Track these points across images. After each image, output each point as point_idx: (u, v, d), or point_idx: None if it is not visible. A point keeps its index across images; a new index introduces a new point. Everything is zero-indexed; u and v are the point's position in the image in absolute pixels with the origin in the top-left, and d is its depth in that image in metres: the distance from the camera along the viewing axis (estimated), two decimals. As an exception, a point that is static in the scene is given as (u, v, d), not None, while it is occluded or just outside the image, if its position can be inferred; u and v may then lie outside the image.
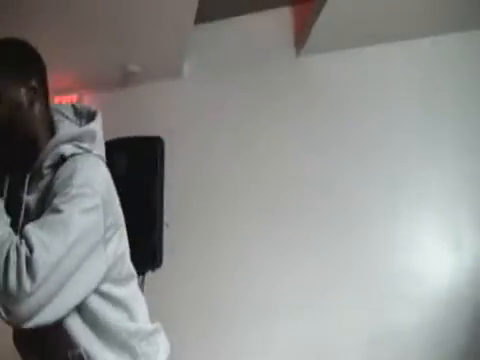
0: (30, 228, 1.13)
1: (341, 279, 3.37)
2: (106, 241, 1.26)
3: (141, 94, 4.04)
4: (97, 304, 1.29)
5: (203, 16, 3.62)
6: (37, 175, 1.31)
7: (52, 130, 1.37)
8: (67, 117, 1.42)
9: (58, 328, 1.23)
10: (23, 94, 1.30)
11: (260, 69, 3.85)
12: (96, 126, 1.41)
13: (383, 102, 3.59)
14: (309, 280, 3.40)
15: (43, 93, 1.37)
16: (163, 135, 3.35)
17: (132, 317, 1.40)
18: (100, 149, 1.41)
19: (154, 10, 3.16)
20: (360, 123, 3.58)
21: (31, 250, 1.08)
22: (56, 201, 1.19)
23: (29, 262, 1.07)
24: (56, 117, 1.41)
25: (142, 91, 4.05)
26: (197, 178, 3.79)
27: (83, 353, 1.27)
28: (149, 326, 1.50)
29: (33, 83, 1.33)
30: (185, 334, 3.47)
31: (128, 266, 1.45)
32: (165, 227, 3.24)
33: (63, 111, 1.43)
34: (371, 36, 3.54)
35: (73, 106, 1.46)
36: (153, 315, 3.43)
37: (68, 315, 1.23)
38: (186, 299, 3.58)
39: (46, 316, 1.12)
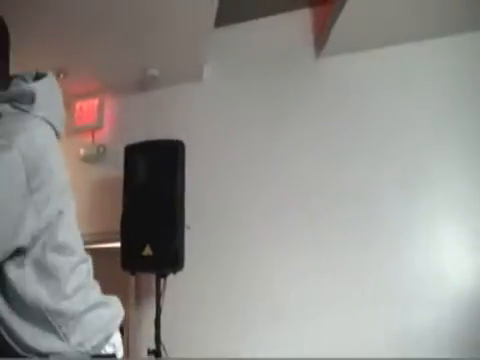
0: None
1: (362, 280, 3.34)
2: (31, 200, 1.19)
3: (161, 98, 4.07)
4: (17, 272, 1.22)
5: (222, 19, 3.63)
6: None
7: None
8: (25, 81, 1.39)
9: None
10: None
11: (280, 71, 3.85)
12: (36, 87, 1.35)
13: (403, 103, 3.55)
14: (330, 281, 3.39)
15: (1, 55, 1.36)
16: (184, 138, 3.35)
17: (63, 293, 1.28)
18: (43, 110, 1.35)
19: (174, 14, 3.18)
20: (380, 125, 3.55)
21: None
22: None
23: None
24: (15, 82, 1.38)
25: (162, 95, 4.07)
26: (218, 181, 3.80)
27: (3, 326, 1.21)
28: (83, 306, 1.33)
29: None
30: (206, 335, 3.49)
31: (66, 234, 1.33)
32: (186, 230, 3.24)
33: (25, 76, 1.40)
34: (390, 36, 3.52)
35: (37, 72, 1.43)
36: (175, 316, 3.46)
37: None
38: (207, 301, 3.59)
39: None
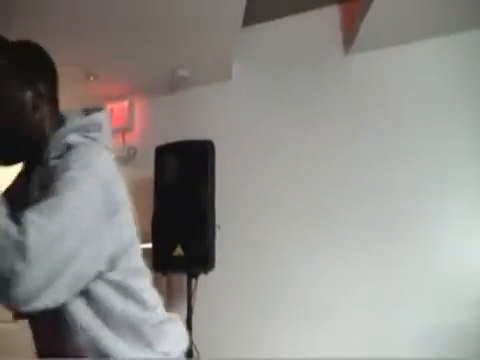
0: (27, 213, 1.11)
1: (392, 279, 3.30)
2: (113, 226, 1.25)
3: (191, 98, 4.09)
4: (102, 290, 1.27)
5: (251, 18, 3.63)
6: (44, 168, 1.32)
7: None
8: (70, 119, 1.42)
9: (64, 313, 1.23)
10: (29, 96, 1.32)
11: (309, 69, 3.83)
12: (101, 116, 1.42)
13: (436, 101, 3.48)
14: (361, 280, 3.36)
15: (50, 98, 1.39)
16: (214, 138, 3.36)
17: (143, 306, 1.37)
18: (107, 140, 1.42)
19: (202, 14, 3.18)
20: (411, 123, 3.49)
21: (24, 232, 1.06)
22: (53, 185, 1.18)
23: (20, 244, 1.04)
24: (71, 117, 1.42)
25: (192, 95, 4.09)
26: (248, 180, 3.79)
27: (94, 339, 1.27)
28: (160, 316, 1.44)
29: (40, 88, 1.34)
30: (239, 335, 3.49)
31: (138, 259, 1.42)
32: (217, 230, 3.25)
33: (71, 113, 1.44)
34: (421, 31, 3.46)
35: (84, 109, 1.47)
36: (206, 316, 3.47)
37: (73, 300, 1.21)
38: (239, 300, 3.59)
39: (46, 300, 1.09)
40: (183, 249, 3.18)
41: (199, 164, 3.32)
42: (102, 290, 1.27)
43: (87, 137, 1.35)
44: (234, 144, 3.83)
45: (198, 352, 3.12)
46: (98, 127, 1.39)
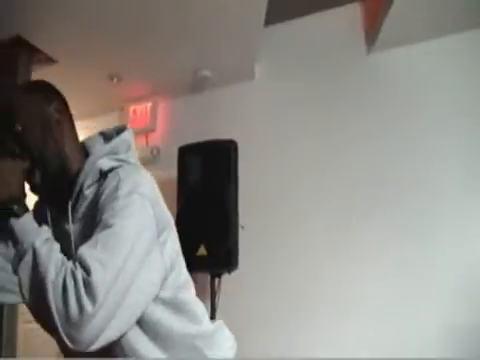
0: (84, 249, 1.12)
1: (424, 277, 3.26)
2: (161, 244, 1.25)
3: (214, 98, 4.10)
4: (160, 313, 1.28)
5: (273, 17, 3.63)
6: (79, 199, 1.32)
7: (85, 153, 1.41)
8: (94, 144, 1.44)
9: (117, 343, 1.22)
10: (50, 112, 1.34)
11: (331, 68, 3.81)
12: (129, 136, 1.43)
13: (461, 98, 3.43)
14: (391, 280, 3.32)
15: (68, 118, 1.40)
16: (237, 137, 3.36)
17: (195, 320, 1.39)
18: (135, 158, 1.43)
19: (223, 14, 3.19)
20: (435, 122, 3.45)
21: (88, 272, 1.07)
22: (105, 216, 1.18)
23: (87, 284, 1.05)
24: (87, 144, 1.44)
25: (215, 95, 4.11)
26: (271, 180, 3.79)
27: (149, 350, 1.27)
28: (211, 326, 1.47)
29: (57, 106, 1.36)
30: (262, 334, 3.49)
31: (185, 270, 1.44)
32: (241, 229, 3.25)
33: (92, 140, 1.46)
34: (444, 28, 3.41)
35: (101, 133, 1.48)
36: (230, 316, 3.48)
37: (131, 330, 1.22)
38: (263, 300, 3.59)
39: (110, 334, 1.10)
40: (206, 249, 3.19)
41: (222, 164, 3.33)
42: (159, 312, 1.27)
43: (117, 160, 1.35)
44: (257, 144, 3.83)
45: (222, 352, 3.13)
46: (127, 147, 1.40)
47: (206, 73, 3.88)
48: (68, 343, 1.05)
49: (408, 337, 3.19)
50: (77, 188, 1.31)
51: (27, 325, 3.68)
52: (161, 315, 1.28)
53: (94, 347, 1.07)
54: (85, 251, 1.11)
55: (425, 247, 3.29)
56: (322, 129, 3.74)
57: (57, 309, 1.04)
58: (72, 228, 1.31)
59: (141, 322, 1.24)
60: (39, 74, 3.36)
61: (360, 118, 3.65)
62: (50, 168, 1.31)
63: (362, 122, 3.63)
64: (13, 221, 1.16)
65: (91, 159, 1.33)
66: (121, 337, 1.19)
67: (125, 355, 1.25)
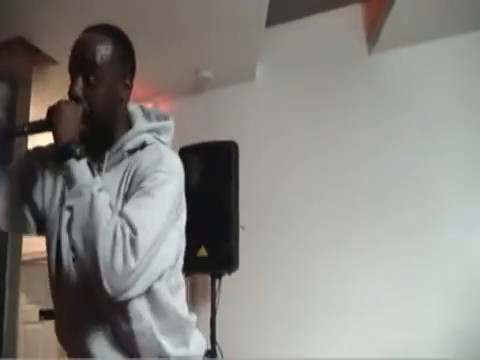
0: (130, 209, 1.23)
1: (426, 278, 3.27)
2: (176, 224, 1.39)
3: (215, 99, 4.10)
4: (163, 289, 1.38)
5: (274, 18, 3.63)
6: (116, 156, 1.42)
7: (129, 123, 1.49)
8: (137, 116, 1.53)
9: (125, 306, 1.31)
10: (120, 89, 1.44)
11: (332, 68, 3.81)
12: (171, 124, 1.54)
13: (461, 97, 3.44)
14: (391, 280, 3.33)
15: (130, 90, 1.50)
16: (237, 139, 3.37)
17: (184, 308, 1.50)
18: (171, 144, 1.54)
19: (224, 15, 3.19)
20: (438, 121, 3.45)
21: (134, 231, 1.18)
22: (147, 184, 1.29)
23: (133, 243, 1.17)
24: (130, 113, 1.53)
25: (215, 96, 4.10)
26: (272, 181, 3.79)
27: (148, 327, 1.35)
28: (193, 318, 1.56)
29: (127, 81, 1.47)
30: (262, 335, 3.49)
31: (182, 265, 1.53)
32: (241, 230, 3.25)
33: (134, 111, 1.54)
34: (445, 28, 3.42)
35: (140, 106, 1.57)
36: (230, 316, 3.47)
37: (138, 298, 1.31)
38: (263, 301, 3.59)
39: (139, 288, 1.21)
40: (207, 250, 3.19)
41: (223, 165, 3.33)
42: (163, 288, 1.38)
43: (158, 139, 1.46)
44: (258, 145, 3.83)
45: (222, 352, 3.13)
46: (169, 132, 1.52)
47: (207, 74, 3.88)
48: (107, 288, 1.15)
49: (409, 337, 3.18)
50: (118, 145, 1.41)
51: (27, 325, 3.68)
52: (164, 291, 1.38)
53: (122, 298, 1.19)
54: (132, 211, 1.22)
55: (425, 247, 3.30)
56: (323, 130, 3.74)
57: (103, 255, 1.15)
58: (104, 176, 1.39)
59: (148, 293, 1.33)
60: (40, 75, 3.37)
61: (361, 119, 3.65)
62: (102, 122, 1.39)
63: (363, 123, 3.63)
64: (72, 162, 1.26)
65: (136, 128, 1.45)
66: (125, 305, 1.30)
67: (131, 317, 1.33)
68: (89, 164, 1.31)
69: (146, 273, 1.21)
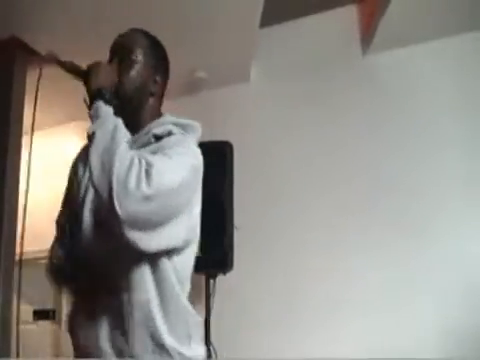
0: (146, 155, 1.26)
1: (414, 277, 3.30)
2: (191, 208, 1.39)
3: (209, 99, 4.10)
4: (170, 272, 1.38)
5: (268, 19, 3.63)
6: (143, 138, 1.45)
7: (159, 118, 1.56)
8: (166, 114, 1.61)
9: (132, 276, 1.31)
10: (150, 82, 1.54)
11: (327, 70, 3.82)
12: (198, 127, 1.57)
13: (456, 98, 3.46)
14: (386, 280, 3.34)
15: (162, 86, 1.62)
16: (232, 139, 3.37)
17: (188, 304, 1.49)
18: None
19: (219, 15, 3.20)
20: (432, 121, 3.47)
21: (150, 165, 1.20)
22: (167, 152, 1.32)
23: (148, 172, 1.19)
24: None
25: (210, 96, 4.11)
26: (266, 181, 3.80)
27: (151, 299, 1.33)
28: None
29: (158, 78, 1.57)
30: (257, 335, 3.49)
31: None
32: (236, 230, 3.26)
33: (165, 113, 1.62)
34: (439, 30, 3.44)
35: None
36: (225, 317, 3.47)
37: (144, 269, 1.32)
38: (258, 301, 3.59)
39: (164, 240, 1.26)
40: (201, 250, 3.17)
41: (218, 165, 3.32)
42: (170, 271, 1.39)
43: (183, 134, 1.49)
44: (253, 145, 3.84)
45: (216, 353, 3.13)
46: (194, 131, 1.54)
47: (202, 74, 3.88)
48: (117, 208, 1.15)
49: (407, 338, 3.20)
50: (145, 130, 1.47)
51: (22, 326, 3.67)
52: (170, 274, 1.39)
53: (151, 247, 1.23)
54: (148, 156, 1.26)
55: (421, 245, 3.32)
56: (317, 131, 3.75)
57: (118, 174, 1.17)
58: None
59: (155, 271, 1.34)
60: (35, 75, 3.35)
61: (355, 119, 3.66)
62: (130, 101, 1.48)
63: (357, 123, 3.64)
64: (100, 103, 1.33)
65: (165, 118, 1.53)
66: (135, 274, 1.31)
67: (136, 288, 1.32)
68: None
69: (159, 211, 1.22)
